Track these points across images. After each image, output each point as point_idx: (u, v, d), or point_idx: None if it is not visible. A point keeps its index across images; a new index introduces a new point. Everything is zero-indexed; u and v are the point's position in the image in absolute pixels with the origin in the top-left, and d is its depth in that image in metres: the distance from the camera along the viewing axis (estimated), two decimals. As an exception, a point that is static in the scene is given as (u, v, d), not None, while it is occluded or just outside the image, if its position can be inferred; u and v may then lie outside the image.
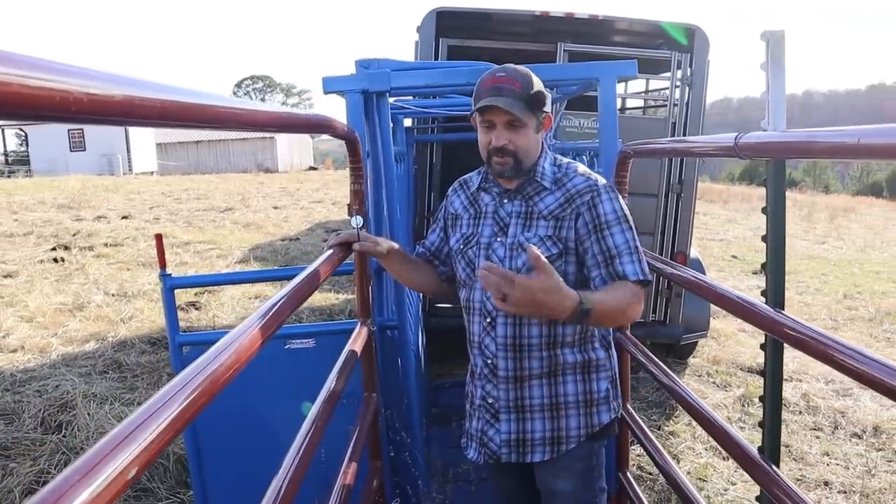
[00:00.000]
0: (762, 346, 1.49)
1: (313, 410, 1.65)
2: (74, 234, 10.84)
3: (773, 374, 1.47)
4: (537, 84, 1.81)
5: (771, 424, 1.48)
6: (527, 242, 1.84)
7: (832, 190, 42.90)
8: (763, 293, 1.44)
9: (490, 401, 1.97)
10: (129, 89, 0.63)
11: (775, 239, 1.39)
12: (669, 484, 2.23)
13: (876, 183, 47.72)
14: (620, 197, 1.87)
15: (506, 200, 1.93)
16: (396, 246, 2.12)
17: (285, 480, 1.29)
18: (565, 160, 1.96)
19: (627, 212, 1.84)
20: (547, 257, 1.77)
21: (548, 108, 1.87)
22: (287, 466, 1.33)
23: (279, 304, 1.23)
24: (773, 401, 1.47)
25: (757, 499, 1.60)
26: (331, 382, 1.80)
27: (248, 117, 1.07)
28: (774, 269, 1.40)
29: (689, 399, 1.85)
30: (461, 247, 1.99)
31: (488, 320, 1.93)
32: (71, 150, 32.91)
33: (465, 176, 2.12)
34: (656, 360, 2.13)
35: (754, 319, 1.41)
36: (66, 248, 9.79)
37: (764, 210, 1.41)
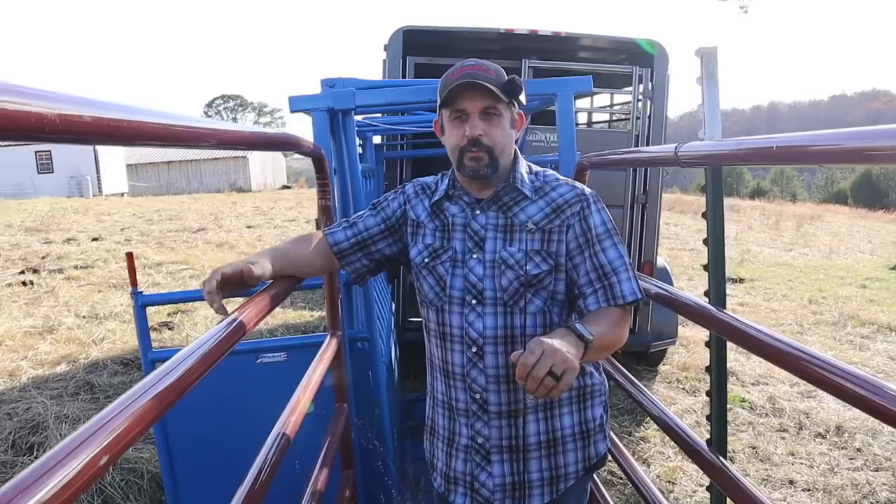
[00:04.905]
0: (707, 344, 1.57)
1: (280, 420, 1.70)
2: (43, 257, 10.71)
3: (717, 369, 1.56)
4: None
5: (718, 418, 1.56)
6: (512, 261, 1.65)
7: (799, 198, 43.86)
8: (706, 293, 1.53)
9: (480, 440, 1.74)
10: (99, 111, 0.70)
11: (715, 241, 1.48)
12: (635, 488, 2.29)
13: (840, 191, 48.91)
14: (605, 207, 1.72)
15: (478, 211, 1.72)
16: (269, 269, 1.65)
17: (256, 484, 1.34)
18: (538, 168, 1.80)
19: (614, 223, 1.70)
20: (536, 274, 1.65)
21: (522, 100, 1.70)
22: (255, 472, 1.38)
23: (245, 313, 1.29)
24: (718, 395, 1.56)
25: (707, 488, 1.68)
26: (299, 392, 1.85)
27: (214, 136, 1.13)
28: (715, 269, 1.49)
29: (640, 395, 1.92)
30: (426, 260, 1.76)
31: (474, 350, 1.70)
32: (38, 173, 32.49)
33: (424, 180, 1.89)
34: (612, 359, 2.20)
35: (698, 318, 1.49)
36: (35, 270, 9.67)
37: (704, 215, 1.50)
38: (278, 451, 1.49)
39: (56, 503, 0.60)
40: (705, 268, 1.53)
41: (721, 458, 1.50)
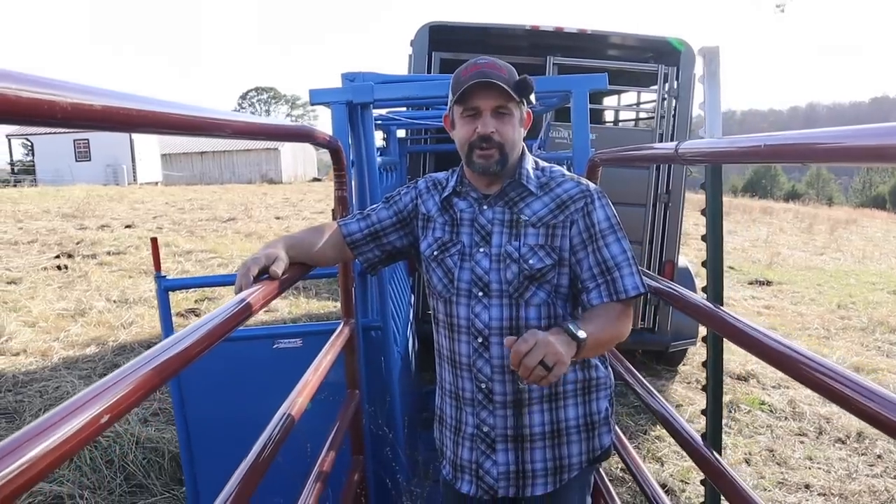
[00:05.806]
0: (703, 339, 1.60)
1: (287, 401, 1.76)
2: (78, 243, 11.00)
3: (714, 366, 1.59)
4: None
5: (712, 413, 1.59)
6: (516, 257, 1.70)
7: (836, 202, 42.98)
8: (704, 289, 1.56)
9: (486, 429, 1.79)
10: (108, 100, 0.76)
11: (714, 239, 1.51)
12: (636, 483, 2.31)
13: (879, 195, 47.80)
14: (610, 203, 1.75)
15: (485, 207, 1.76)
16: (284, 259, 1.64)
17: (259, 458, 1.40)
18: (545, 164, 1.84)
19: (618, 218, 1.72)
20: (540, 269, 1.69)
21: (532, 99, 1.75)
22: (258, 447, 1.44)
23: (252, 295, 1.35)
24: (714, 391, 1.59)
25: (702, 482, 1.71)
26: (308, 376, 1.92)
27: (227, 126, 1.19)
28: (713, 267, 1.51)
29: (640, 388, 1.95)
30: (435, 253, 1.82)
31: (479, 340, 1.75)
32: (76, 161, 33.27)
33: (436, 175, 1.95)
34: (619, 355, 2.23)
35: (695, 313, 1.52)
36: (70, 255, 9.94)
37: (703, 212, 1.53)
38: (283, 430, 1.55)
39: (59, 454, 0.67)
40: (703, 265, 1.56)
41: (714, 452, 1.53)
